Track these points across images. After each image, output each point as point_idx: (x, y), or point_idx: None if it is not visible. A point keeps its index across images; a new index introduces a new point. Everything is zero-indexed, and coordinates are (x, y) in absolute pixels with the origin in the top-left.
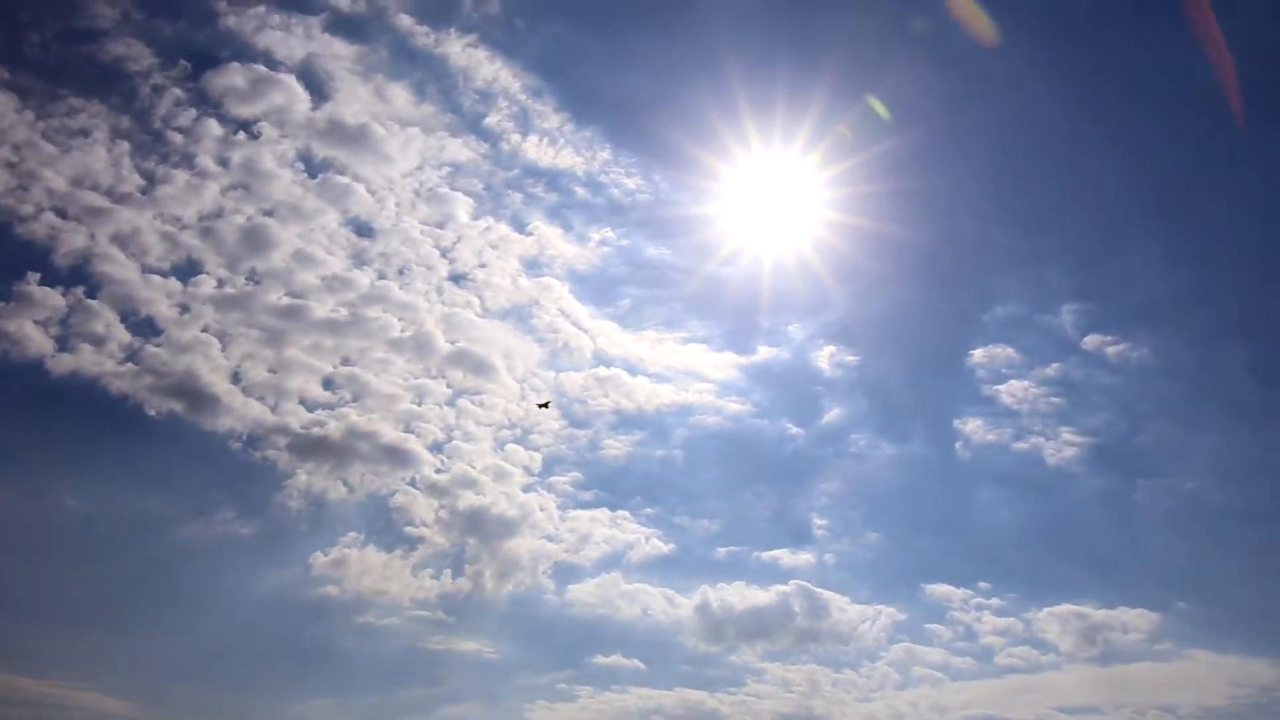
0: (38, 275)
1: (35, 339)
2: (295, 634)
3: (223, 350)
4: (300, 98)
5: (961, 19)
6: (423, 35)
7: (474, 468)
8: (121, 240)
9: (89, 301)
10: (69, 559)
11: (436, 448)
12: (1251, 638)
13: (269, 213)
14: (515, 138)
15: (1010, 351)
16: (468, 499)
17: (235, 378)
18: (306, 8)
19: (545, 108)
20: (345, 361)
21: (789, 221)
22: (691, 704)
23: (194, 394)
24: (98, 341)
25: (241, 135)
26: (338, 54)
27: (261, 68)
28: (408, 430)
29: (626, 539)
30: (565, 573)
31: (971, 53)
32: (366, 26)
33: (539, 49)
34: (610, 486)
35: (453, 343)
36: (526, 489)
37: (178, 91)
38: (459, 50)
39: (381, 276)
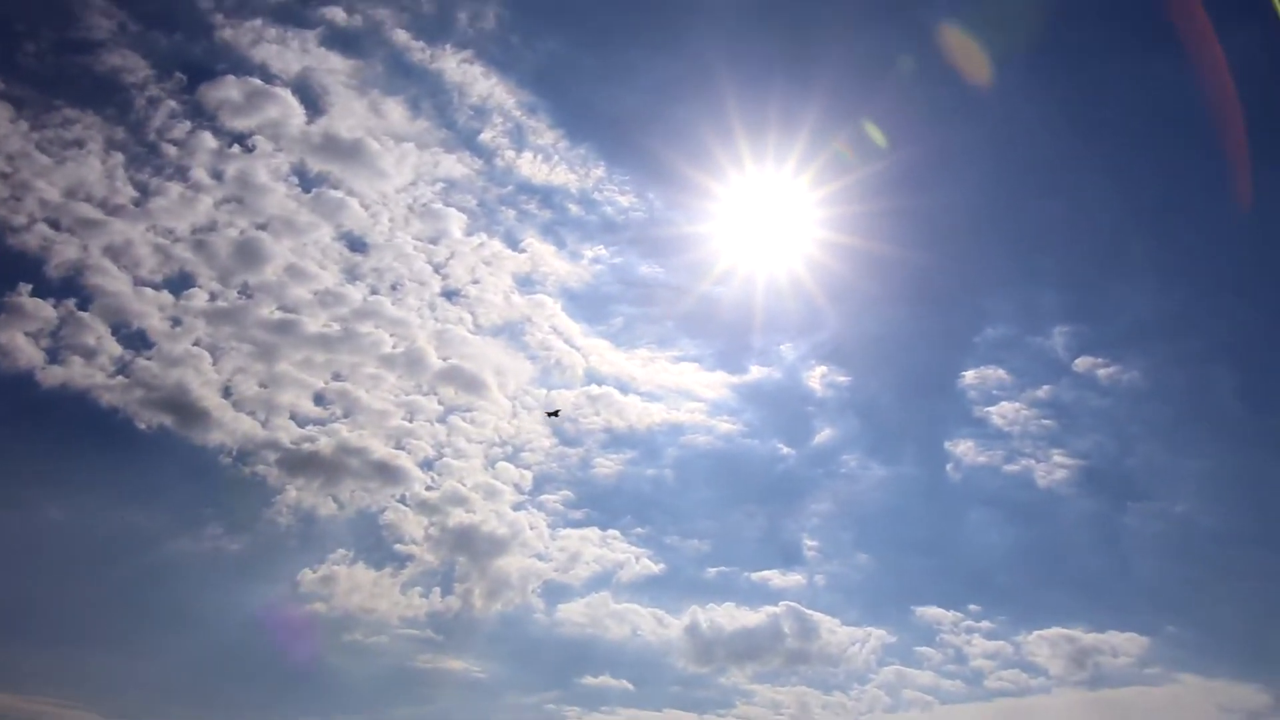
0: (29, 286)
1: (26, 350)
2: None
3: (214, 364)
4: (295, 111)
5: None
6: (418, 51)
7: (464, 485)
8: (114, 252)
9: (80, 313)
10: (56, 573)
11: (427, 465)
12: (1240, 662)
13: (262, 226)
14: (509, 154)
15: (1001, 373)
16: (458, 516)
17: (226, 392)
18: (303, 22)
19: (540, 124)
20: (336, 377)
21: (782, 241)
22: None
23: (184, 408)
24: (89, 354)
25: (236, 148)
26: (333, 68)
27: (257, 81)
28: (398, 447)
29: (616, 558)
30: (555, 592)
31: (965, 73)
32: (362, 41)
33: (534, 66)
34: (601, 505)
35: (444, 359)
36: (517, 507)
37: (173, 104)
38: (454, 66)
39: (374, 292)
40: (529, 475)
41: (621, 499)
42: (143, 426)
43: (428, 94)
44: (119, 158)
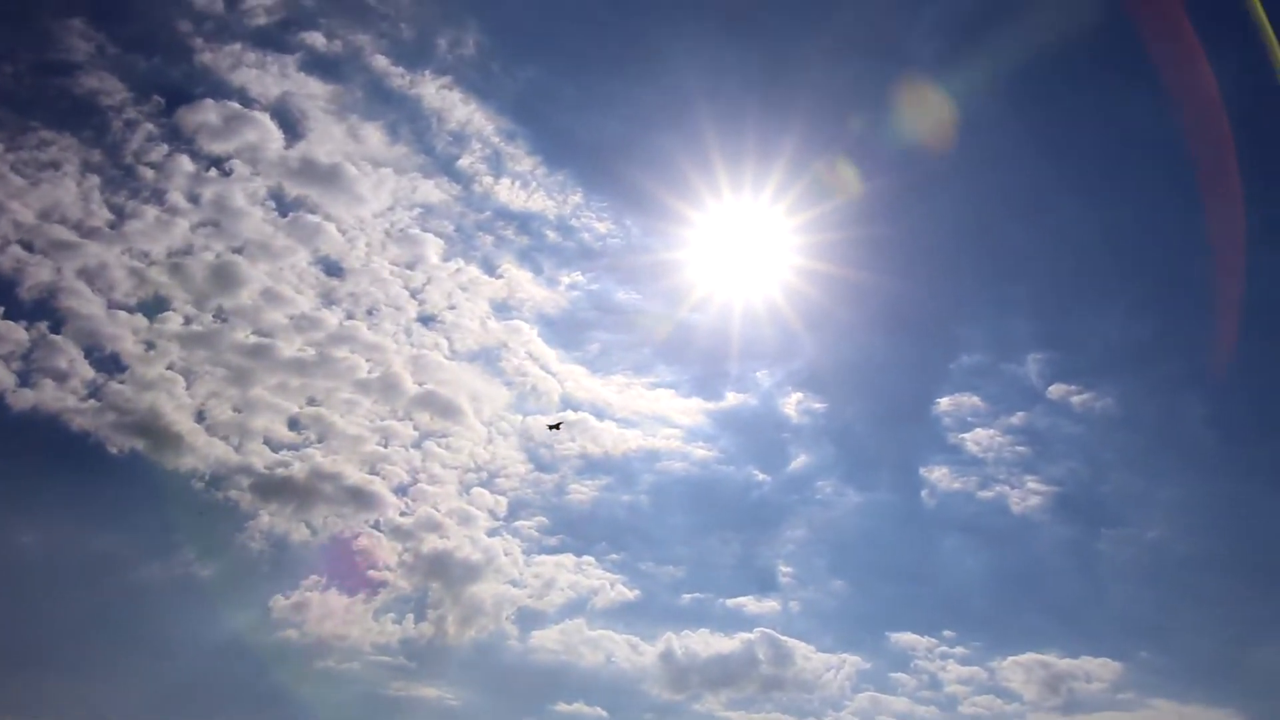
0: (1, 309)
1: None
2: (253, 678)
3: (187, 388)
4: (273, 136)
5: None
6: (398, 76)
7: (439, 511)
8: (88, 275)
9: (53, 336)
10: (24, 598)
11: (401, 490)
12: (1213, 687)
13: (238, 250)
14: (487, 180)
15: (976, 400)
16: (432, 542)
17: (199, 416)
18: (283, 47)
19: (518, 151)
20: (311, 402)
21: (758, 268)
22: None
23: (157, 432)
24: (60, 377)
25: (213, 172)
26: (312, 93)
27: (235, 105)
28: (373, 472)
29: (591, 585)
30: (529, 618)
31: (941, 103)
32: (342, 66)
33: (513, 93)
34: (576, 531)
35: (420, 384)
36: (491, 533)
37: (150, 127)
38: (433, 92)
39: (350, 316)
40: (504, 501)
41: (596, 525)
42: (114, 451)
43: (406, 119)
44: (95, 180)
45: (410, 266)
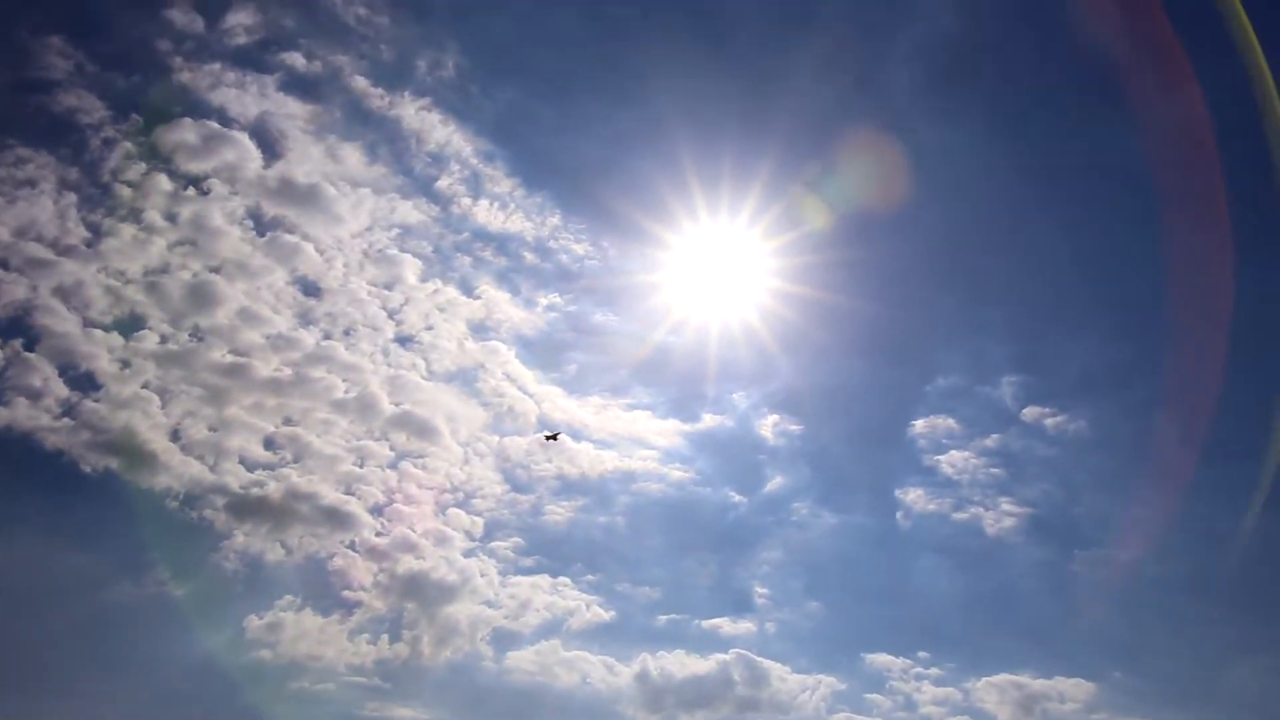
0: None
1: None
2: (227, 699)
3: (163, 407)
4: (252, 155)
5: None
6: (377, 97)
7: (414, 531)
8: (64, 293)
9: (27, 354)
10: None
11: (377, 510)
12: (1185, 707)
13: (216, 269)
14: (466, 201)
15: (951, 422)
16: (407, 563)
17: (175, 435)
18: (262, 67)
19: (497, 172)
20: (287, 421)
21: (735, 291)
22: None
23: (131, 451)
24: (34, 395)
25: (191, 191)
26: (291, 113)
27: (214, 124)
28: (349, 492)
29: (567, 605)
30: (504, 639)
31: (918, 128)
32: (321, 87)
33: (492, 114)
34: (552, 552)
35: (397, 405)
36: (467, 554)
37: (128, 145)
38: (412, 113)
39: (327, 336)
40: (480, 522)
41: (573, 546)
42: (88, 469)
43: (385, 140)
44: (72, 198)
45: (388, 287)
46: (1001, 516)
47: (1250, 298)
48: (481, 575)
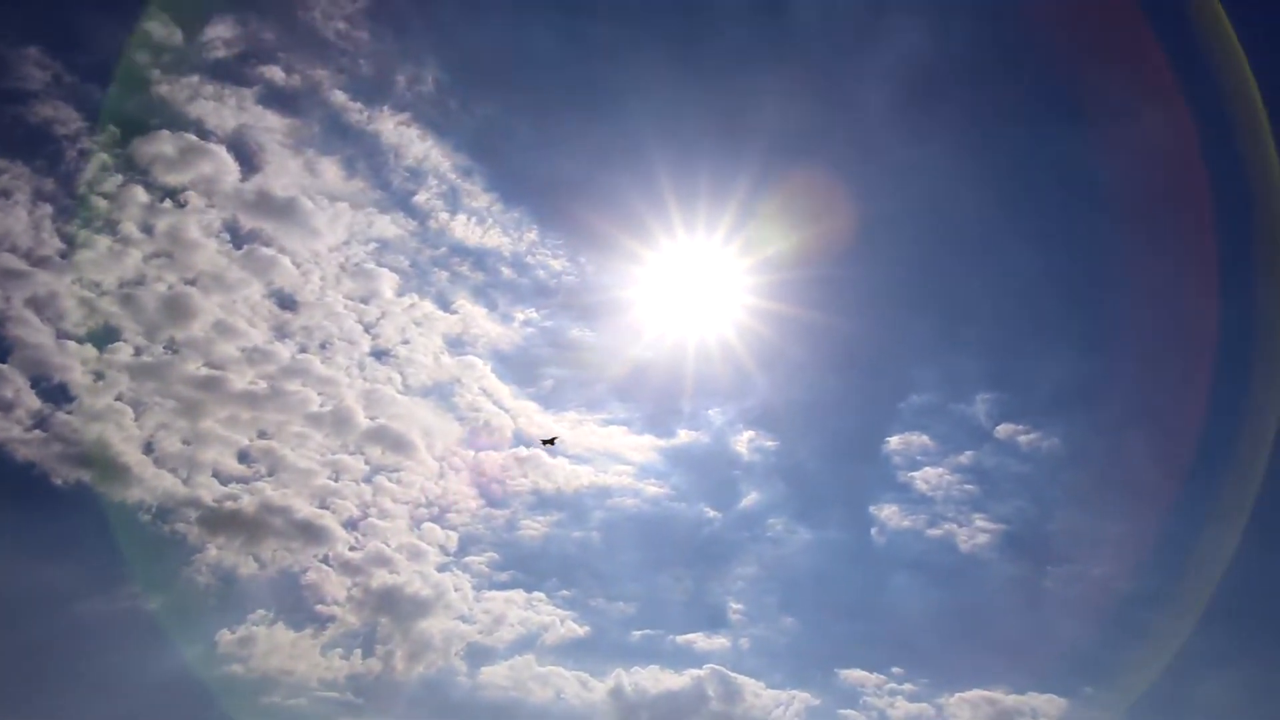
0: None
1: None
2: (198, 714)
3: (136, 420)
4: (229, 168)
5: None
6: (356, 112)
7: (389, 546)
8: (37, 304)
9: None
10: None
11: (351, 525)
12: None
13: (191, 282)
14: (443, 216)
15: (925, 439)
16: (381, 577)
17: (148, 448)
18: (241, 80)
19: (474, 187)
20: (262, 435)
21: (712, 307)
22: None
23: (104, 463)
24: (6, 407)
25: (168, 203)
26: (270, 126)
27: (192, 137)
28: (323, 506)
29: (541, 620)
30: (478, 654)
31: (894, 145)
32: (300, 101)
33: (471, 130)
34: (526, 567)
35: (372, 419)
36: (441, 568)
37: (105, 157)
38: (391, 128)
39: (303, 350)
40: (455, 536)
41: (548, 561)
42: (59, 482)
43: (364, 154)
44: (47, 209)
45: (365, 301)
46: (975, 533)
47: (1221, 315)
48: (456, 590)
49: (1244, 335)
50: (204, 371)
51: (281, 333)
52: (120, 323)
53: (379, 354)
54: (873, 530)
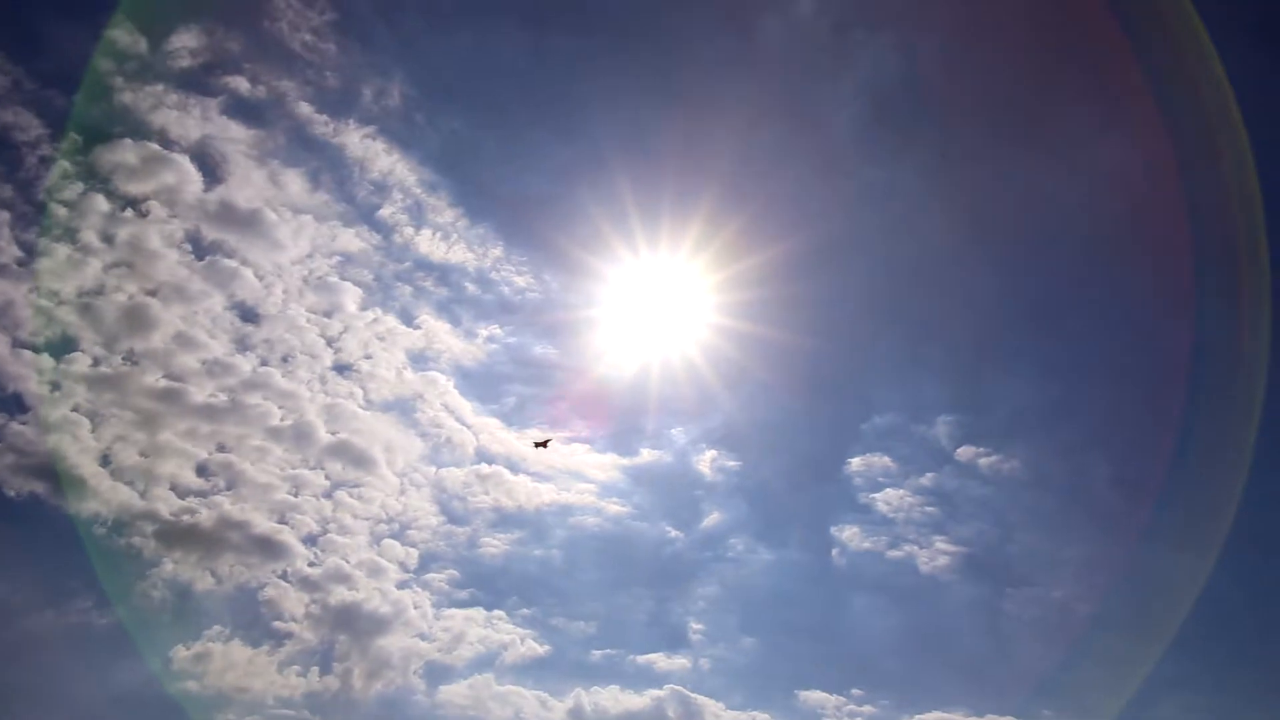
0: None
1: None
2: None
3: (93, 431)
4: (193, 178)
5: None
6: (321, 124)
7: (348, 562)
8: None
9: None
10: None
11: (311, 540)
12: None
13: (152, 292)
14: (408, 230)
15: (887, 460)
16: (340, 594)
17: (105, 460)
18: (206, 90)
19: (440, 202)
20: (221, 448)
21: (676, 326)
22: None
23: (59, 475)
24: None
25: (129, 212)
26: (234, 137)
27: (155, 146)
28: (282, 521)
29: (501, 639)
30: (437, 673)
31: (859, 165)
32: (266, 112)
33: (437, 144)
34: (487, 585)
35: (333, 434)
36: (401, 585)
37: (65, 164)
38: (357, 141)
39: (264, 363)
40: (415, 553)
41: (508, 579)
42: (12, 494)
43: (328, 167)
44: (4, 216)
45: (327, 314)
46: (935, 555)
47: (1195, 339)
48: (415, 607)
49: (1216, 359)
50: (163, 383)
51: (242, 345)
52: (79, 332)
53: (341, 368)
54: (834, 551)
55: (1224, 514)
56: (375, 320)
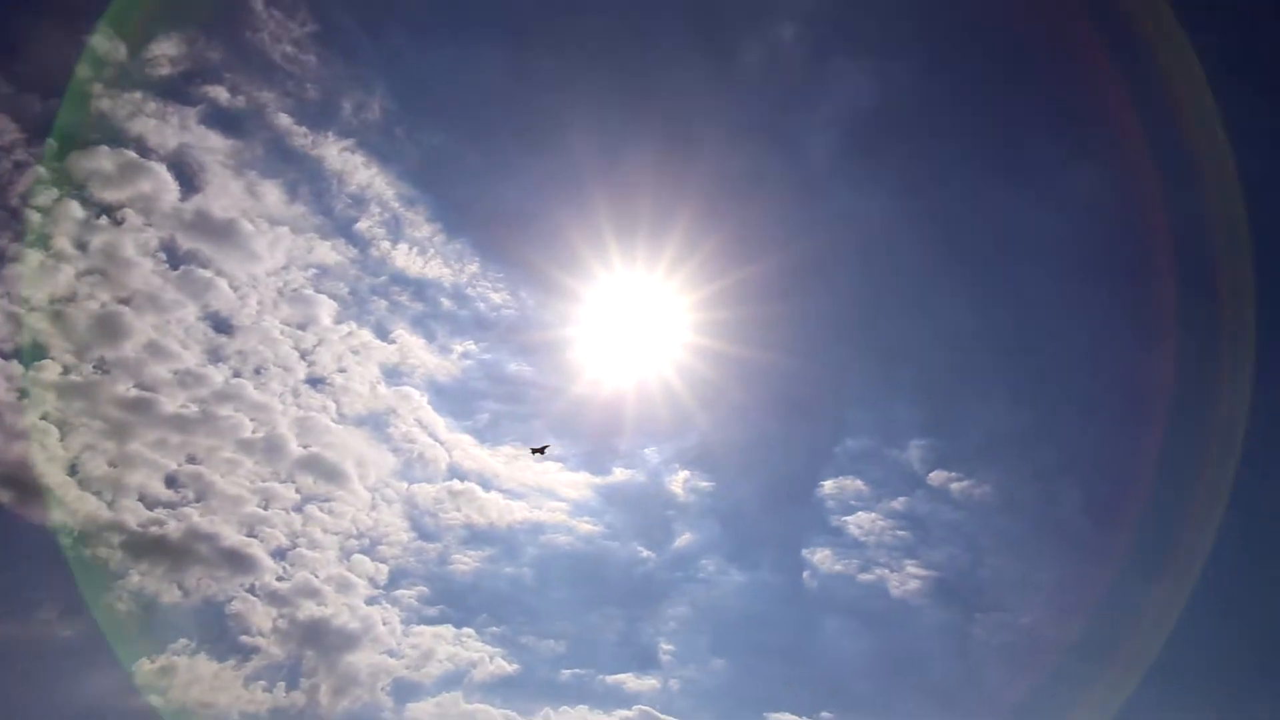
0: None
1: None
2: None
3: (61, 440)
4: (169, 187)
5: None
6: (300, 136)
7: (317, 577)
8: None
9: None
10: None
11: (280, 554)
12: None
13: (125, 301)
14: (385, 244)
15: (859, 484)
16: (308, 609)
17: (72, 470)
18: (185, 99)
19: (417, 217)
20: (191, 460)
21: (651, 345)
22: None
23: (25, 484)
24: None
25: (104, 220)
26: (212, 147)
27: (132, 154)
28: (251, 535)
29: (470, 657)
30: (405, 690)
31: (835, 189)
32: (244, 122)
33: (416, 159)
34: (457, 602)
35: (305, 447)
36: (370, 601)
37: (41, 170)
38: (335, 154)
39: (237, 374)
40: (385, 569)
41: (478, 596)
42: None
43: (306, 179)
44: None
45: (302, 327)
46: (906, 578)
47: (1177, 367)
48: (384, 624)
49: (1195, 387)
50: (134, 393)
51: (215, 356)
52: (49, 340)
53: (314, 381)
54: (805, 574)
55: (1200, 544)
56: (350, 334)
